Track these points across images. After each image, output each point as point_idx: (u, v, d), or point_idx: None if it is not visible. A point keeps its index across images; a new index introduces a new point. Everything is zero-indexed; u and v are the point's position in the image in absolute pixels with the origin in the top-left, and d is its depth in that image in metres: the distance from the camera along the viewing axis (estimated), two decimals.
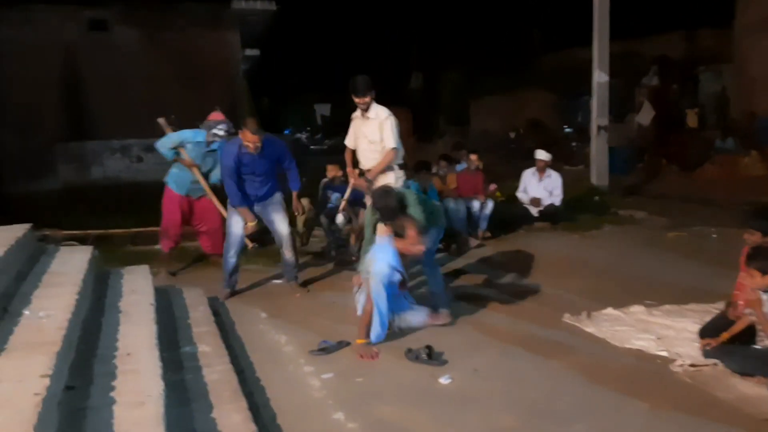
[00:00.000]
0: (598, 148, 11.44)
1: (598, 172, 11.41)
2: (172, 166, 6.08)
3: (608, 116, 11.48)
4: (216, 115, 6.06)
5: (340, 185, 6.91)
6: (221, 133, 5.88)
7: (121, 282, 4.49)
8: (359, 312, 4.30)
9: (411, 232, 4.16)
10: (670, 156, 14.74)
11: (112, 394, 2.67)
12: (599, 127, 11.33)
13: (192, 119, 14.25)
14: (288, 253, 5.48)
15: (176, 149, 5.92)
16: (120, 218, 8.25)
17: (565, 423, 3.16)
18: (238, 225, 5.31)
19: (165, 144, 5.96)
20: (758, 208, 4.26)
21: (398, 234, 4.21)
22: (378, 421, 3.25)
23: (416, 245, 4.20)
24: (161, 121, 6.16)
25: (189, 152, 5.91)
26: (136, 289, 4.28)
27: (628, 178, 13.13)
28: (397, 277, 4.21)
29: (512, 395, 3.45)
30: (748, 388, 3.45)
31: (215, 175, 5.97)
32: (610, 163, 11.60)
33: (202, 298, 4.76)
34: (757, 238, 3.92)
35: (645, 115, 17.99)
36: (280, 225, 5.43)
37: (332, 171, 7.35)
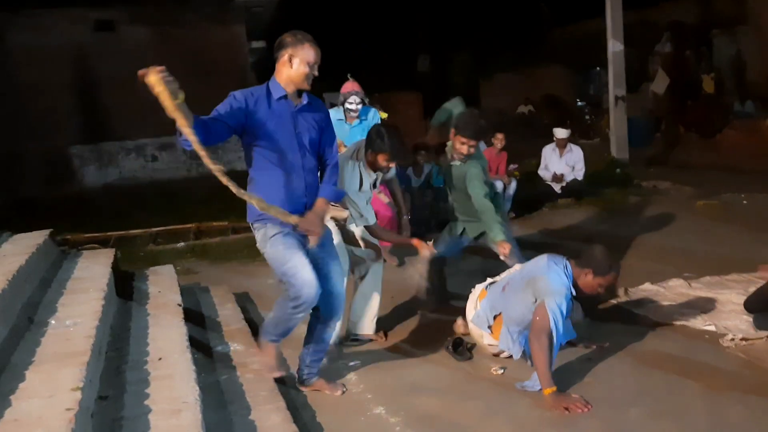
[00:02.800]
0: (616, 120, 11.18)
1: (618, 144, 11.15)
2: None
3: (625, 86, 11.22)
4: (347, 86, 5.31)
5: None
6: (353, 107, 5.20)
7: (147, 283, 4.40)
8: (517, 355, 3.53)
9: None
10: (688, 124, 14.42)
11: (146, 402, 2.57)
12: (617, 98, 11.06)
13: (205, 114, 14.18)
14: None
15: None
16: (140, 218, 8.19)
17: (620, 407, 3.03)
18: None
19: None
20: None
21: None
22: (422, 414, 3.13)
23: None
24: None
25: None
26: (163, 290, 4.18)
27: (647, 149, 12.88)
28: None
29: (562, 383, 3.32)
30: None
31: None
32: (628, 134, 11.34)
33: (229, 295, 4.66)
34: None
35: (660, 84, 17.61)
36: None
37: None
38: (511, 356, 3.56)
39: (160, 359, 3.00)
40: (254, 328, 4.19)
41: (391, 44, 26.69)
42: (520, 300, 3.42)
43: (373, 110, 5.43)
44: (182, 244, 6.79)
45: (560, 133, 8.17)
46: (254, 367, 3.39)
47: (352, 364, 3.77)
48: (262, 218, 3.10)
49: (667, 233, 6.30)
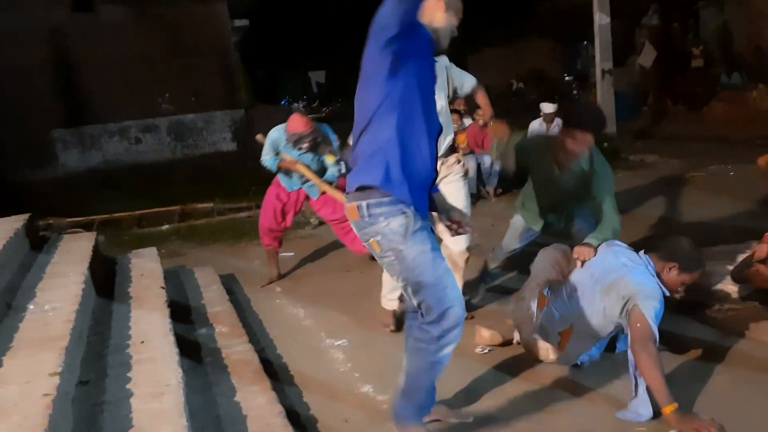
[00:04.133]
0: (603, 93, 11.13)
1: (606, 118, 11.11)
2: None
3: (612, 60, 11.16)
4: (296, 124, 4.69)
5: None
6: (303, 147, 4.72)
7: (129, 266, 4.34)
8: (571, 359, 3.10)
9: None
10: (675, 96, 14.41)
11: (128, 386, 2.53)
12: (603, 72, 11.01)
13: (187, 95, 13.88)
14: None
15: (277, 155, 4.83)
16: (124, 201, 8.09)
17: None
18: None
19: (265, 158, 4.88)
20: None
21: None
22: None
23: None
24: (258, 137, 5.01)
25: (286, 151, 4.80)
26: (146, 273, 4.13)
27: (635, 122, 12.86)
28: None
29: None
30: None
31: (331, 173, 4.83)
32: (615, 108, 11.31)
33: (214, 276, 4.61)
34: None
35: (647, 57, 17.57)
36: None
37: None
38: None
39: (142, 342, 2.95)
40: (239, 309, 4.16)
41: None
42: (598, 308, 2.90)
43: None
44: (167, 226, 6.74)
45: (547, 107, 8.12)
46: None
47: (338, 343, 3.74)
48: (399, 201, 2.27)
49: (654, 205, 6.29)
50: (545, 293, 3.17)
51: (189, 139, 13.40)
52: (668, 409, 2.54)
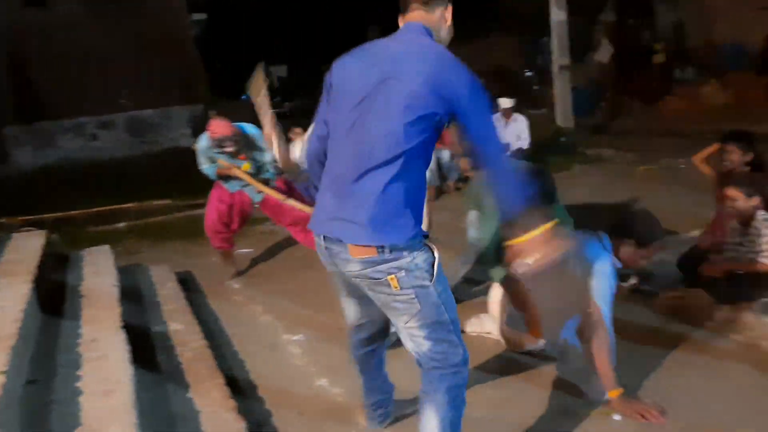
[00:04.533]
0: (560, 89, 11.30)
1: (563, 113, 11.30)
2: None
3: (569, 56, 11.34)
4: (218, 128, 4.62)
5: None
6: (227, 150, 4.65)
7: (82, 264, 4.27)
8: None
9: None
10: (631, 91, 14.69)
11: (77, 384, 2.50)
12: (561, 67, 11.18)
13: (145, 91, 13.61)
14: None
15: (212, 160, 4.73)
16: (80, 199, 7.93)
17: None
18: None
19: (202, 167, 4.80)
20: (735, 129, 4.16)
21: None
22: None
23: None
24: (194, 146, 4.89)
25: (220, 156, 4.70)
26: (99, 271, 4.07)
27: (592, 117, 13.08)
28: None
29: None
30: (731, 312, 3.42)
31: (269, 172, 4.80)
32: (573, 103, 11.50)
33: (169, 274, 4.57)
34: (736, 157, 3.86)
35: (603, 53, 17.88)
36: None
37: (296, 135, 7.14)
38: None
39: (93, 341, 2.92)
40: (195, 306, 4.14)
41: (340, 15, 26.33)
42: (556, 289, 2.78)
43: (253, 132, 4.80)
44: (123, 224, 6.64)
45: (505, 102, 8.22)
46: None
47: (295, 338, 3.75)
48: (423, 234, 2.08)
49: (608, 196, 6.43)
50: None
51: (147, 135, 13.21)
52: (614, 393, 2.61)
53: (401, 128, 1.95)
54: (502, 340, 3.34)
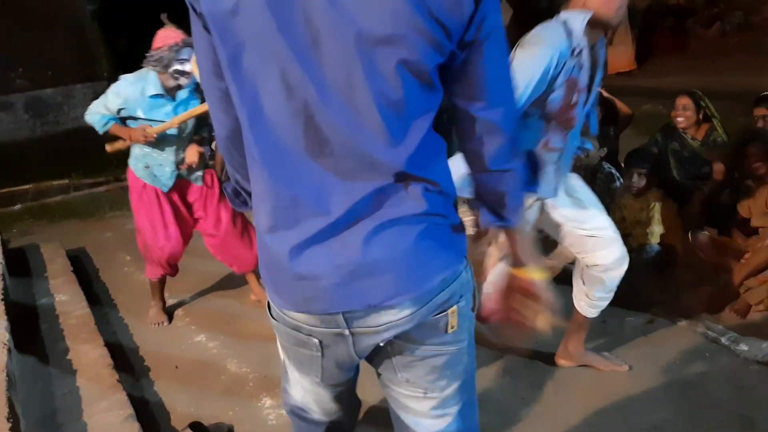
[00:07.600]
0: None
1: None
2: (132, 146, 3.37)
3: None
4: (169, 35, 3.19)
5: None
6: (187, 67, 3.14)
7: None
8: None
9: None
10: None
11: None
12: None
13: (43, 69, 13.28)
14: None
15: (114, 119, 3.26)
16: None
17: None
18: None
19: (92, 115, 3.28)
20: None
21: None
22: (239, 338, 3.46)
23: None
24: (108, 147, 3.49)
25: (152, 112, 3.21)
26: None
27: None
28: None
29: None
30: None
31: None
32: None
33: (60, 251, 4.72)
34: None
35: None
36: None
37: None
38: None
39: None
40: (86, 280, 4.34)
41: None
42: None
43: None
44: (19, 206, 6.65)
45: None
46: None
47: (179, 300, 4.02)
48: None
49: None
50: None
51: (48, 115, 12.86)
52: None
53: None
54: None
